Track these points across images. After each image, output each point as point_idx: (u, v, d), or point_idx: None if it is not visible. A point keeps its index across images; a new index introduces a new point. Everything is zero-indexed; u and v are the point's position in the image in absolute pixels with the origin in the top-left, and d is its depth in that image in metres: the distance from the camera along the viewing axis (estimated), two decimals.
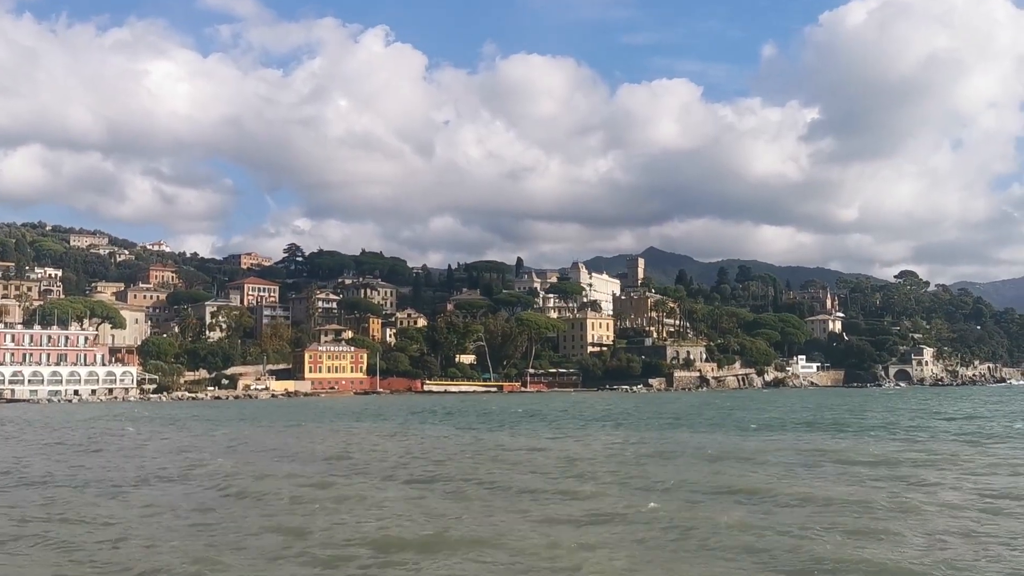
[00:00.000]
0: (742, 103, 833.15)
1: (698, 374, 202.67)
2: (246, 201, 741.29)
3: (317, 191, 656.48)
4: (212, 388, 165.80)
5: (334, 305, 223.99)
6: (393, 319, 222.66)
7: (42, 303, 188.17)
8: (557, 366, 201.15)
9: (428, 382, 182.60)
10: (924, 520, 22.38)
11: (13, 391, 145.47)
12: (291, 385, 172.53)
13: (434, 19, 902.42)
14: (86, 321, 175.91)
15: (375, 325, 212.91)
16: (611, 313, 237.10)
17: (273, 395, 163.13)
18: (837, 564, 17.67)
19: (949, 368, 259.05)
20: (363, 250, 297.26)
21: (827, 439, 48.60)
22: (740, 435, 52.59)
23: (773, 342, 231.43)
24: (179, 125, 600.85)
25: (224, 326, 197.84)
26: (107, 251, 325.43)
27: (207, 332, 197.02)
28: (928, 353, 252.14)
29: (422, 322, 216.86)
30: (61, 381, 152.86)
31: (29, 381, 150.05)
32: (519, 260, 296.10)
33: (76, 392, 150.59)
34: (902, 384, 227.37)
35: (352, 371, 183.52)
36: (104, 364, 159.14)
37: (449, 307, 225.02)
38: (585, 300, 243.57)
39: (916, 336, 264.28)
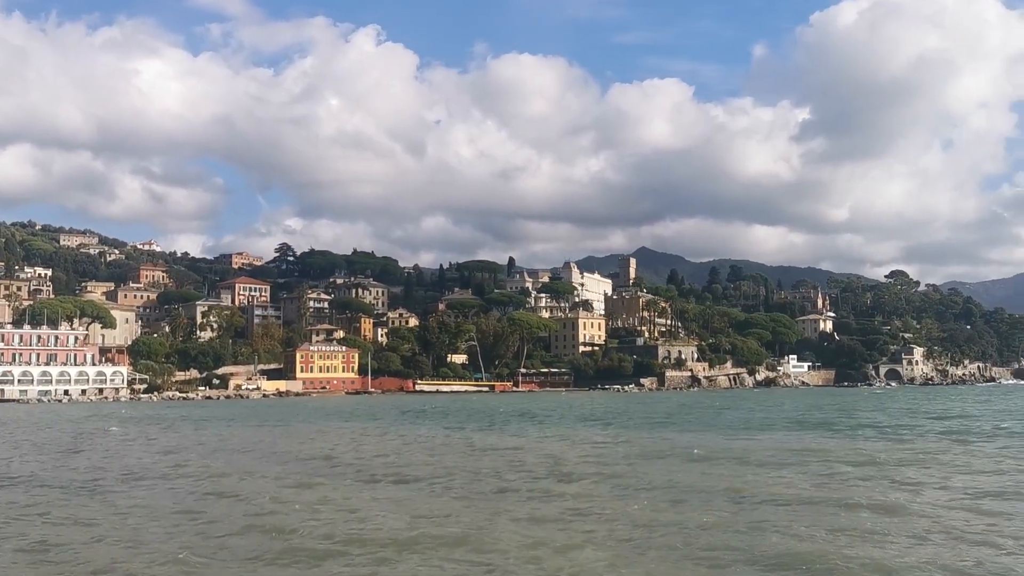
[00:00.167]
0: (733, 103, 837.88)
1: (689, 374, 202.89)
2: (237, 200, 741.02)
3: (308, 190, 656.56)
4: (203, 388, 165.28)
5: (325, 305, 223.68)
6: (385, 319, 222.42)
7: (32, 303, 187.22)
8: (549, 366, 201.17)
9: (420, 382, 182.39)
10: (908, 519, 22.36)
11: (3, 391, 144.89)
12: (282, 385, 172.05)
13: (425, 18, 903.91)
14: (76, 321, 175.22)
15: (367, 325, 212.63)
16: (603, 313, 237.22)
17: (264, 395, 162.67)
18: (820, 564, 17.62)
19: (939, 368, 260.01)
20: (354, 250, 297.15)
21: (815, 438, 48.63)
22: (728, 435, 52.61)
23: (764, 342, 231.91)
24: (169, 124, 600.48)
25: (215, 326, 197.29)
26: (97, 251, 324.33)
27: (198, 332, 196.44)
28: (918, 353, 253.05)
29: (414, 322, 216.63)
30: (51, 381, 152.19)
31: (19, 381, 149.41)
32: (511, 260, 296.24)
33: (66, 392, 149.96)
34: (892, 384, 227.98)
35: (343, 371, 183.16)
36: (94, 364, 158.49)
37: (441, 307, 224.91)
38: (577, 300, 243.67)
39: (906, 336, 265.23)
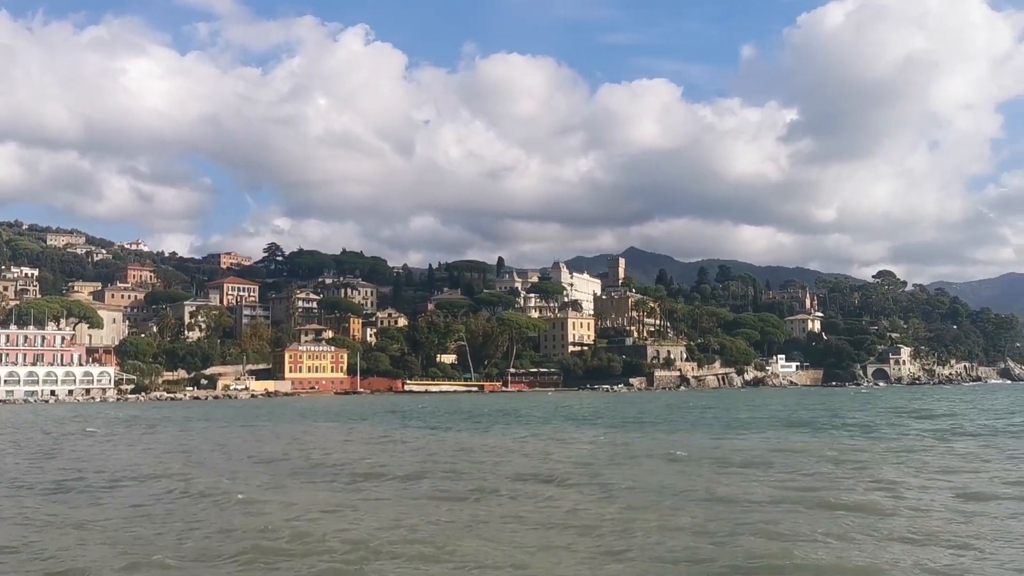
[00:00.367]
0: (722, 103, 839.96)
1: (678, 373, 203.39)
2: (225, 200, 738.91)
3: (297, 190, 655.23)
4: (191, 388, 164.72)
5: (314, 305, 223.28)
6: (374, 319, 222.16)
7: (18, 303, 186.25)
8: (538, 366, 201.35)
9: (409, 382, 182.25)
10: (887, 519, 22.42)
11: None
12: (271, 385, 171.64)
13: (414, 18, 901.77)
14: (63, 321, 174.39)
15: (356, 325, 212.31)
16: (592, 313, 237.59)
17: (253, 395, 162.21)
18: (798, 565, 17.64)
19: (926, 367, 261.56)
20: (343, 249, 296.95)
21: (801, 437, 48.75)
22: (713, 435, 52.71)
23: (753, 341, 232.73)
24: (157, 123, 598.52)
25: (203, 326, 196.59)
26: (84, 250, 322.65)
27: (186, 332, 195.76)
28: (905, 352, 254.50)
29: (403, 322, 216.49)
30: (37, 381, 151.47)
31: (5, 381, 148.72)
32: (500, 260, 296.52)
33: (53, 392, 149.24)
34: (880, 383, 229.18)
35: (332, 371, 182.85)
36: (81, 364, 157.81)
37: (430, 307, 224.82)
38: (566, 300, 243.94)
39: (894, 335, 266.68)
